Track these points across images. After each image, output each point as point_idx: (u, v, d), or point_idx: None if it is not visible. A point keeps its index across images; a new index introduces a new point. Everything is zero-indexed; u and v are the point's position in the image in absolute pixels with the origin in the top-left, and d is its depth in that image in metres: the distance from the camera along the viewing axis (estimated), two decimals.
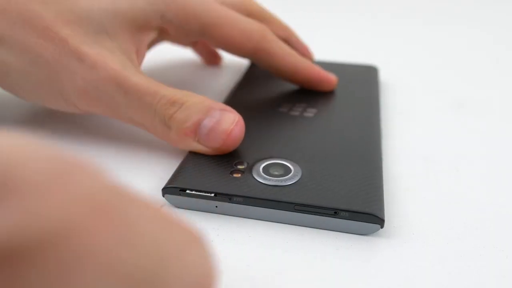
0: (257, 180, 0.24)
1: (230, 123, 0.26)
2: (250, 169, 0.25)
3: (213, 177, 0.25)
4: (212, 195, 0.24)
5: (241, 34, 0.32)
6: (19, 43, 0.26)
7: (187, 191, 0.24)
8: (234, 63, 0.46)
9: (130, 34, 0.28)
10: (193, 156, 0.27)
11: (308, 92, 0.36)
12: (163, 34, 0.31)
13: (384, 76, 0.43)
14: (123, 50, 0.28)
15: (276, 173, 0.25)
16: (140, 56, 0.30)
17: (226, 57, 0.48)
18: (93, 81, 0.26)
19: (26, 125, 0.33)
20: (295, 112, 0.32)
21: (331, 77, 0.36)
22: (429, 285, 0.20)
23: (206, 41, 0.32)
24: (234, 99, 0.35)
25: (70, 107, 0.29)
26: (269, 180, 0.24)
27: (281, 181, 0.24)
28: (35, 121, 0.34)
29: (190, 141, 0.26)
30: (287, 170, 0.25)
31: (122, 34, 0.28)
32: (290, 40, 0.38)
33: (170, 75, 0.44)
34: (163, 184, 0.26)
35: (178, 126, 0.26)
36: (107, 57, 0.27)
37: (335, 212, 0.23)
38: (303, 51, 0.39)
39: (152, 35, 0.30)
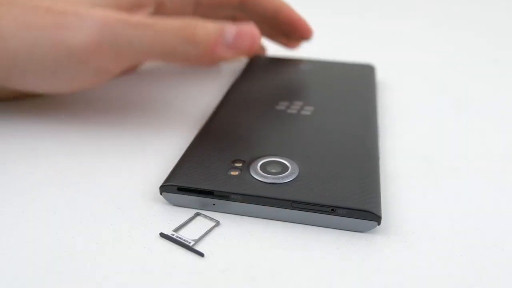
0: (254, 178, 0.24)
1: (250, 27, 0.27)
2: (247, 167, 0.25)
3: (210, 175, 0.25)
4: (210, 193, 0.24)
5: None
6: (23, 26, 0.28)
7: (185, 189, 0.24)
8: (230, 63, 0.46)
9: (125, 10, 0.31)
10: (190, 154, 0.27)
11: (306, 90, 0.36)
12: (159, 8, 0.34)
13: (380, 75, 0.43)
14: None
15: (274, 171, 0.25)
16: None
17: None
18: (100, 30, 0.27)
19: (26, 120, 0.33)
20: (293, 110, 0.32)
21: (310, 26, 0.39)
22: (429, 285, 0.20)
23: (202, 9, 0.35)
24: (232, 98, 0.35)
25: (84, 69, 0.29)
26: (267, 178, 0.24)
27: (279, 178, 0.24)
28: (36, 115, 0.34)
29: (218, 52, 0.27)
30: (284, 168, 0.25)
31: (117, 8, 0.30)
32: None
33: (168, 75, 0.44)
34: (161, 182, 0.26)
35: (204, 40, 0.26)
36: (106, 11, 0.28)
37: (332, 210, 0.23)
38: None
39: (148, 9, 0.33)
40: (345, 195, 0.23)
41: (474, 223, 0.24)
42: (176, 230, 0.23)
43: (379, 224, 0.23)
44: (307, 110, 0.32)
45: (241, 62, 0.45)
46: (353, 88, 0.37)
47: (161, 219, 0.24)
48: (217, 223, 0.23)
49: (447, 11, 0.69)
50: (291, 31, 0.38)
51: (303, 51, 0.49)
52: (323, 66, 0.41)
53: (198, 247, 0.22)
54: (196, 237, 0.22)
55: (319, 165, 0.26)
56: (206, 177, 0.25)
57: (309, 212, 0.23)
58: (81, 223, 0.23)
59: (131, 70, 0.39)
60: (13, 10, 0.28)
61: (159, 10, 0.34)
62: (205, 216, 0.24)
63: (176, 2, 0.34)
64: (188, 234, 0.23)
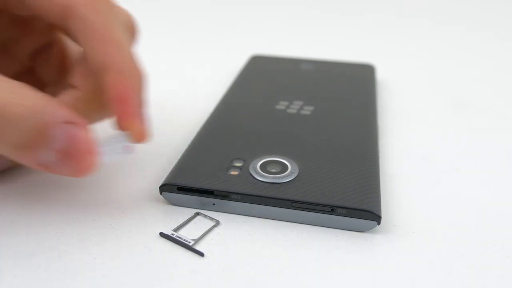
0: (254, 178, 0.24)
1: (83, 151, 0.19)
2: (247, 166, 0.25)
3: (210, 174, 0.25)
4: (210, 192, 0.24)
5: None
6: None
7: (185, 189, 0.24)
8: (230, 63, 0.46)
9: None
10: (190, 153, 0.27)
11: (306, 90, 0.36)
12: None
13: (380, 75, 0.43)
14: None
15: (274, 170, 0.25)
16: None
17: (222, 56, 0.48)
18: None
19: None
20: (292, 110, 0.32)
21: (145, 126, 0.22)
22: (429, 284, 0.20)
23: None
24: (232, 97, 0.35)
25: None
26: (267, 177, 0.24)
27: (279, 178, 0.24)
28: None
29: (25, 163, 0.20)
30: (284, 168, 0.25)
31: None
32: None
33: (168, 75, 0.44)
34: (161, 182, 0.26)
35: (7, 152, 0.19)
36: None
37: (332, 209, 0.23)
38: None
39: None
40: (345, 195, 0.23)
41: (474, 223, 0.24)
42: (176, 229, 0.23)
43: (379, 223, 0.23)
44: (307, 110, 0.32)
45: (239, 63, 0.45)
46: (353, 88, 0.37)
47: (161, 219, 0.24)
48: (217, 223, 0.23)
49: (447, 11, 0.69)
50: (113, 106, 0.21)
51: (303, 51, 0.49)
52: (323, 66, 0.41)
53: (198, 247, 0.22)
54: (196, 237, 0.22)
55: (319, 165, 0.26)
56: (206, 177, 0.24)
57: (309, 212, 0.23)
58: (81, 223, 0.23)
59: None
60: None
61: None
62: (205, 216, 0.24)
63: None
64: (188, 233, 0.23)
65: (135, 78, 0.21)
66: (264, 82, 0.38)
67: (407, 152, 0.31)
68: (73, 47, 0.27)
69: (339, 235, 0.23)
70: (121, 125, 0.21)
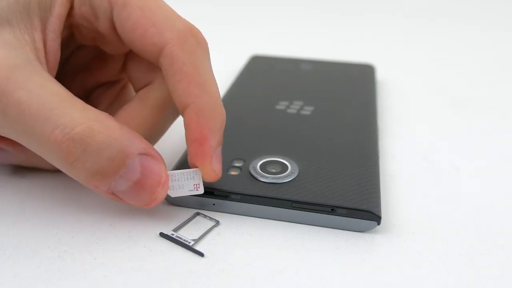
0: (254, 178, 0.24)
1: (155, 184, 0.21)
2: (247, 166, 0.25)
3: None
4: (210, 193, 0.24)
5: (152, 23, 0.22)
6: None
7: None
8: (230, 63, 0.46)
9: (38, 21, 0.22)
10: None
11: (306, 90, 0.36)
12: (74, 30, 0.24)
13: (380, 75, 0.43)
14: (26, 42, 0.21)
15: (274, 170, 0.25)
16: (52, 54, 0.22)
17: (222, 56, 0.48)
18: None
19: None
20: (292, 110, 0.32)
21: (217, 166, 0.22)
22: (429, 284, 0.20)
23: (114, 39, 0.24)
24: (232, 97, 0.35)
25: None
26: (267, 177, 0.24)
27: (279, 178, 0.24)
28: None
29: (100, 192, 0.21)
30: (284, 168, 0.25)
31: (25, 21, 0.21)
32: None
33: None
34: None
35: (84, 178, 0.20)
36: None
37: (332, 209, 0.23)
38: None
39: (62, 28, 0.23)
40: (345, 195, 0.23)
41: (474, 223, 0.24)
42: (176, 230, 0.23)
43: (379, 224, 0.23)
44: (307, 110, 0.32)
45: (240, 62, 0.45)
46: (353, 88, 0.37)
47: (161, 219, 0.24)
48: (217, 223, 0.23)
49: (447, 11, 0.69)
50: (190, 153, 0.22)
51: (303, 51, 0.49)
52: (323, 66, 0.41)
53: (197, 247, 0.22)
54: (196, 237, 0.22)
55: (319, 165, 0.26)
56: None
57: (309, 212, 0.23)
58: (81, 222, 0.23)
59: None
60: None
61: (76, 33, 0.24)
62: (205, 216, 0.24)
63: (86, 6, 0.23)
64: (188, 234, 0.23)
65: (215, 119, 0.22)
66: (264, 82, 0.38)
67: (407, 152, 0.31)
68: (132, 91, 0.28)
69: (339, 235, 0.23)
70: (194, 163, 0.22)
